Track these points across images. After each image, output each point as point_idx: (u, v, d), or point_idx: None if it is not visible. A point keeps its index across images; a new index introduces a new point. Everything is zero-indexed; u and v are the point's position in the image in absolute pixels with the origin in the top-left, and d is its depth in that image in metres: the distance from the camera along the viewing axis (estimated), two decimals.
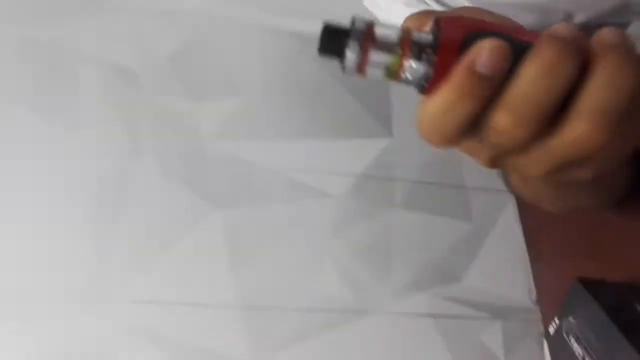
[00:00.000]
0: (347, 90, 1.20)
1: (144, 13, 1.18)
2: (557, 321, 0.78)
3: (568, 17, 0.57)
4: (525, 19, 0.57)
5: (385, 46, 0.29)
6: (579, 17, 0.57)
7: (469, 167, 1.19)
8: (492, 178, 1.17)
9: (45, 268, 0.95)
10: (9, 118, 1.02)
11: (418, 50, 0.29)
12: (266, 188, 1.09)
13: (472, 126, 0.31)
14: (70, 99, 1.06)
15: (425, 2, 0.54)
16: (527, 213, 1.11)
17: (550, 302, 1.04)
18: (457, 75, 0.28)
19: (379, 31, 0.29)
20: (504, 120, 0.30)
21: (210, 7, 1.24)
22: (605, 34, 0.31)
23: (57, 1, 1.13)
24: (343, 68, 0.31)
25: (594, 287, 0.72)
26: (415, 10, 0.55)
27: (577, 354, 0.72)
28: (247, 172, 1.10)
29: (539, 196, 0.57)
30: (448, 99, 0.29)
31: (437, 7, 0.54)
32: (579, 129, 0.28)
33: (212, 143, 1.11)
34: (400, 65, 0.30)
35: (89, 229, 0.98)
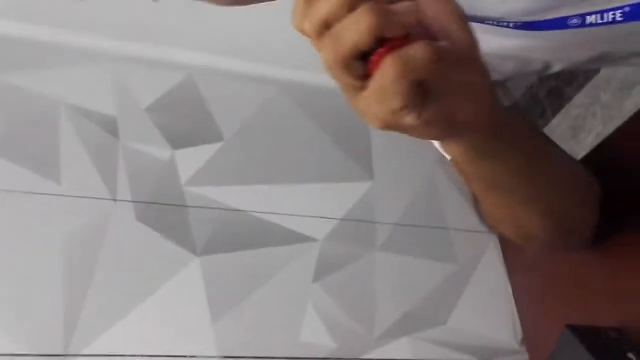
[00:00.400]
0: (328, 135, 1.21)
1: (126, 63, 1.19)
2: None
3: (546, 66, 0.58)
4: (505, 68, 0.58)
5: None
6: (557, 67, 0.59)
7: (451, 208, 1.19)
8: (474, 219, 1.18)
9: (23, 313, 0.92)
10: None
11: None
12: (247, 233, 1.08)
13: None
14: (50, 146, 1.05)
15: None
16: (511, 254, 1.10)
17: (538, 343, 1.03)
18: None
19: None
20: (325, 57, 0.33)
21: (193, 57, 1.27)
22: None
23: (37, 50, 1.14)
24: None
25: (584, 334, 0.71)
26: None
27: None
28: (227, 218, 1.09)
29: (499, 222, 0.58)
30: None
31: None
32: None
33: (192, 189, 1.10)
34: None
35: (65, 278, 0.96)
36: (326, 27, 0.32)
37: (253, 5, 0.47)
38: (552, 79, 1.61)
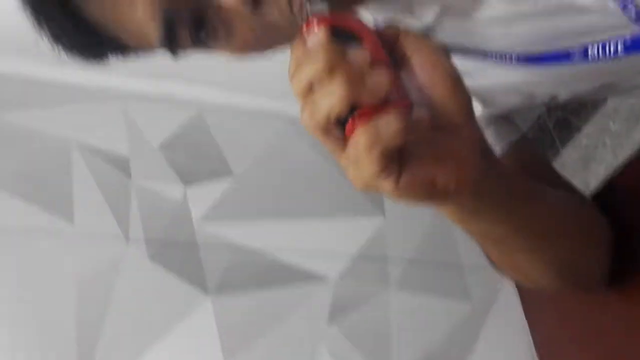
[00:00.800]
0: (338, 170, 1.21)
1: (137, 100, 1.20)
2: None
3: (552, 97, 0.59)
4: (510, 100, 0.58)
5: None
6: (561, 98, 0.59)
7: (464, 244, 1.18)
8: None
9: (34, 354, 0.90)
10: (4, 208, 1.00)
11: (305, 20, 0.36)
12: (259, 272, 1.07)
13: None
14: (63, 184, 1.05)
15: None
16: (527, 292, 1.09)
17: None
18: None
19: None
20: (303, 121, 0.35)
21: (203, 93, 1.27)
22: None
23: (48, 88, 1.15)
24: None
25: None
26: None
27: None
28: (239, 256, 1.08)
29: (503, 269, 0.58)
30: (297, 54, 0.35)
31: None
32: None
33: (203, 226, 1.09)
34: None
35: (77, 318, 0.95)
36: (310, 89, 0.34)
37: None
38: (559, 110, 1.62)
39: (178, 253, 1.05)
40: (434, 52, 0.36)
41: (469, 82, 0.53)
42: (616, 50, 0.49)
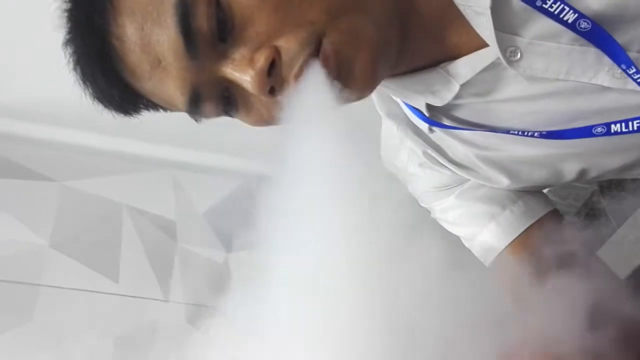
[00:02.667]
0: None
1: (186, 169, 1.26)
2: None
3: (578, 173, 0.57)
4: (538, 174, 0.57)
5: None
6: (590, 174, 0.57)
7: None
8: None
9: None
10: (57, 266, 1.06)
11: None
12: None
13: None
14: (112, 246, 1.10)
15: (440, 163, 0.56)
16: None
17: None
18: None
19: None
20: None
21: (248, 164, 1.33)
22: None
23: (103, 157, 1.23)
24: None
25: None
26: (428, 172, 0.57)
27: None
28: None
29: None
30: None
31: (450, 170, 0.55)
32: None
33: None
34: None
35: None
36: None
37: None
38: (613, 188, 1.57)
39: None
40: None
41: (493, 154, 0.53)
42: (639, 127, 0.48)
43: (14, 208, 1.12)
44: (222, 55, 0.41)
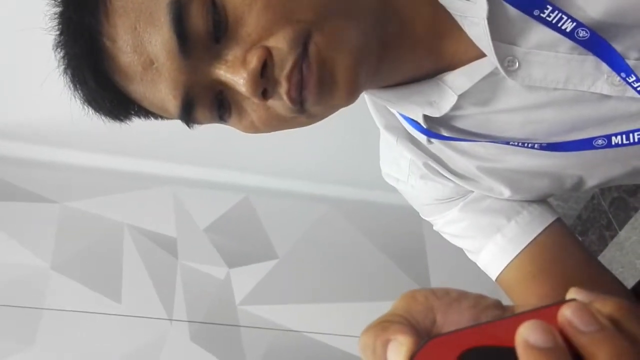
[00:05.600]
0: (382, 252, 1.20)
1: (186, 186, 1.26)
2: None
3: (580, 182, 0.57)
4: (540, 183, 0.57)
5: None
6: (591, 182, 0.57)
7: None
8: None
9: None
10: (58, 288, 1.05)
11: None
12: (300, 356, 1.05)
13: None
14: (113, 265, 1.10)
15: (441, 174, 0.55)
16: None
17: None
18: None
19: None
20: None
21: (249, 178, 1.32)
22: (593, 335, 0.26)
23: (102, 177, 1.23)
24: None
25: None
26: (430, 184, 0.56)
27: None
28: (280, 339, 1.07)
29: None
30: None
31: (452, 181, 0.54)
32: None
33: (246, 308, 1.10)
34: None
35: None
36: None
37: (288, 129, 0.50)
38: (613, 190, 1.56)
39: (219, 334, 1.05)
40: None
41: (494, 165, 0.53)
42: None
43: (14, 231, 1.12)
44: (216, 56, 0.41)
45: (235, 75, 0.40)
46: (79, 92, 0.45)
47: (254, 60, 0.39)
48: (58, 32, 0.44)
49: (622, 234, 1.53)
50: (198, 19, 0.39)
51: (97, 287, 1.06)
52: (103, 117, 0.47)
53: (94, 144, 1.25)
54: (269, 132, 0.47)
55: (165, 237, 1.17)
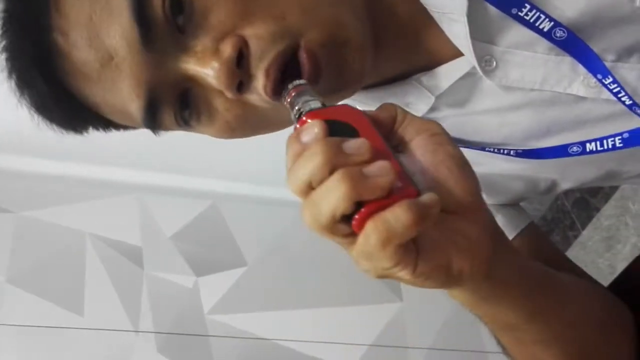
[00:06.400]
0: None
1: (151, 193, 1.22)
2: None
3: (553, 185, 0.57)
4: (516, 187, 0.57)
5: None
6: (564, 185, 0.57)
7: (486, 329, 1.13)
8: None
9: None
10: (14, 302, 1.00)
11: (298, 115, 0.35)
12: None
13: None
14: (75, 277, 1.05)
15: None
16: None
17: None
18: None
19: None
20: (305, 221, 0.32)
21: (216, 185, 1.30)
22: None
23: (63, 185, 1.18)
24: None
25: None
26: None
27: None
28: (250, 347, 1.04)
29: (520, 356, 0.53)
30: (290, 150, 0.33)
31: None
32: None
33: (214, 317, 1.07)
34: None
35: None
36: (310, 187, 0.31)
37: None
38: (576, 191, 1.60)
39: (188, 345, 1.02)
40: (434, 135, 0.34)
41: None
42: (614, 145, 0.48)
43: None
44: (183, 48, 0.37)
45: (204, 67, 0.37)
46: (26, 97, 0.40)
47: (227, 49, 0.36)
48: (1, 31, 0.39)
49: (585, 233, 1.56)
50: (158, 4, 0.36)
51: (57, 300, 1.02)
52: (56, 128, 0.42)
53: (52, 151, 1.20)
54: (245, 135, 0.44)
55: (130, 246, 1.14)
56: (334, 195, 0.30)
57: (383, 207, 0.29)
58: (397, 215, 0.30)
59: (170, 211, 1.22)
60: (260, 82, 0.37)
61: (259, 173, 1.29)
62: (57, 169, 1.21)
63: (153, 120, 0.41)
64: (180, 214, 1.22)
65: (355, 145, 0.31)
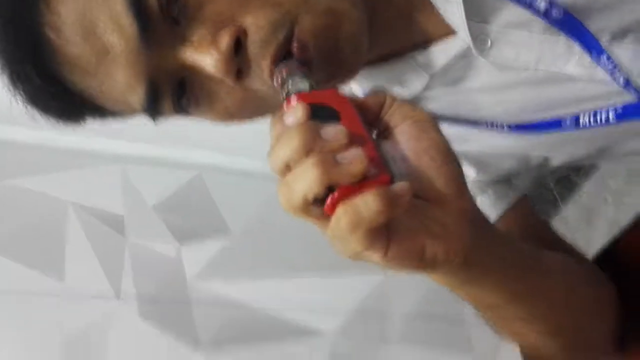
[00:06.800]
0: None
1: (135, 163, 1.22)
2: None
3: (545, 161, 0.58)
4: (508, 164, 0.58)
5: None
6: (555, 162, 0.58)
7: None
8: None
9: None
10: None
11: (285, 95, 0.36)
12: (253, 329, 1.03)
13: None
14: (55, 244, 1.05)
15: None
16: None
17: None
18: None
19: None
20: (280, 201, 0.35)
21: (201, 155, 1.30)
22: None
23: (46, 154, 1.17)
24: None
25: None
26: None
27: None
28: (233, 314, 1.05)
29: (504, 336, 0.55)
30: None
31: None
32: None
33: (197, 284, 1.07)
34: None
35: None
36: (288, 168, 0.33)
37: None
38: (559, 168, 1.62)
39: (170, 311, 1.02)
40: (420, 122, 0.35)
41: (461, 147, 0.53)
42: (607, 119, 0.49)
43: None
44: (179, 39, 0.38)
45: (203, 55, 0.38)
46: (21, 91, 0.41)
47: (225, 39, 0.36)
48: None
49: (566, 210, 1.58)
50: None
51: (37, 265, 1.01)
52: (52, 119, 0.43)
53: (36, 121, 1.18)
54: (243, 119, 0.45)
55: (112, 215, 1.13)
56: (307, 178, 0.32)
57: (354, 193, 0.31)
58: (367, 201, 0.31)
59: (154, 181, 1.21)
60: (265, 71, 0.38)
61: (246, 145, 1.29)
62: (39, 138, 1.20)
63: (155, 110, 0.42)
64: (164, 184, 1.22)
65: (333, 132, 0.33)
